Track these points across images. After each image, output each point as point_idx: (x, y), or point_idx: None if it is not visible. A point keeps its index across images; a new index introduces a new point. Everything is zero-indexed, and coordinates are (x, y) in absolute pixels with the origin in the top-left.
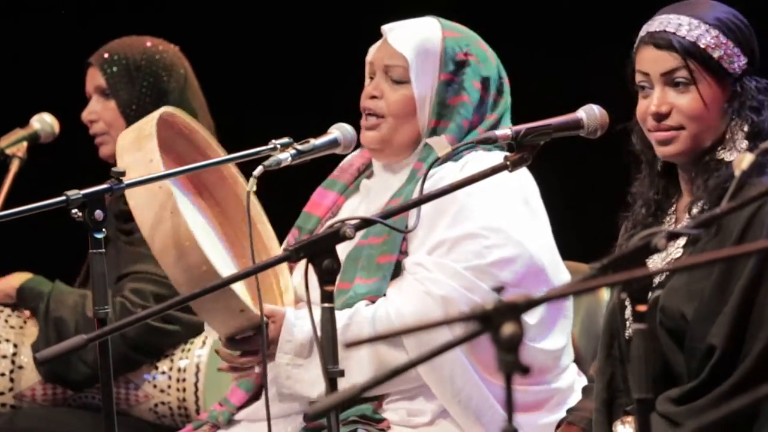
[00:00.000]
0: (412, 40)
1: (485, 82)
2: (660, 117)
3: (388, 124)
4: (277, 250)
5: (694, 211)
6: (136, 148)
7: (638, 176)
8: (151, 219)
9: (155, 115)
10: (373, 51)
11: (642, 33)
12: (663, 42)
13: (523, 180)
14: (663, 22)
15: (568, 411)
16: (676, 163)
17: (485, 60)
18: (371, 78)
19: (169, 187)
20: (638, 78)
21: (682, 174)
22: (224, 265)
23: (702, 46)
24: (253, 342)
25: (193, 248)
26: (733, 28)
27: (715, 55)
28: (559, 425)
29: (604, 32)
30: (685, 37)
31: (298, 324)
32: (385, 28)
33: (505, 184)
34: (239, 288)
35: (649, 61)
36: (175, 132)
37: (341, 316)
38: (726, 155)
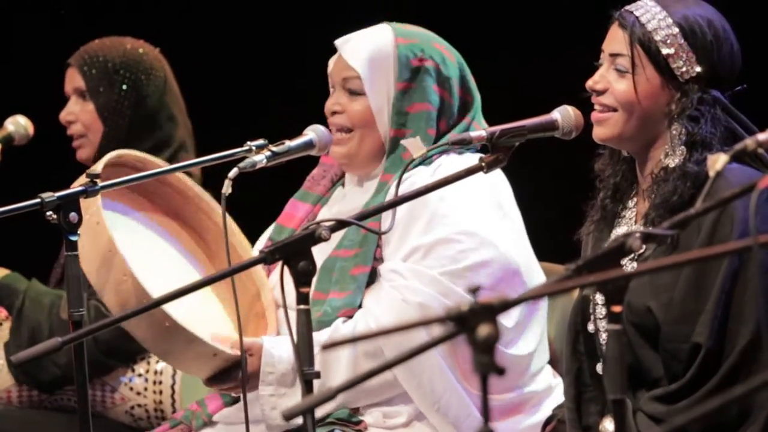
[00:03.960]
0: (364, 51)
1: (445, 83)
2: (596, 93)
3: (357, 137)
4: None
5: (647, 223)
6: (84, 209)
7: (601, 152)
8: (102, 281)
9: (98, 168)
10: (331, 64)
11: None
12: (623, 22)
13: (496, 182)
14: (639, 4)
15: (556, 408)
16: (617, 149)
17: (443, 61)
18: (333, 90)
19: (118, 251)
20: (601, 53)
21: (637, 169)
22: (195, 301)
23: (654, 38)
24: (233, 375)
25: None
26: (696, 33)
27: (665, 51)
28: (547, 423)
29: (580, 34)
30: (645, 24)
31: (277, 354)
32: (338, 42)
33: (477, 187)
34: (218, 314)
35: (608, 37)
36: (130, 168)
37: (321, 337)
38: (669, 162)
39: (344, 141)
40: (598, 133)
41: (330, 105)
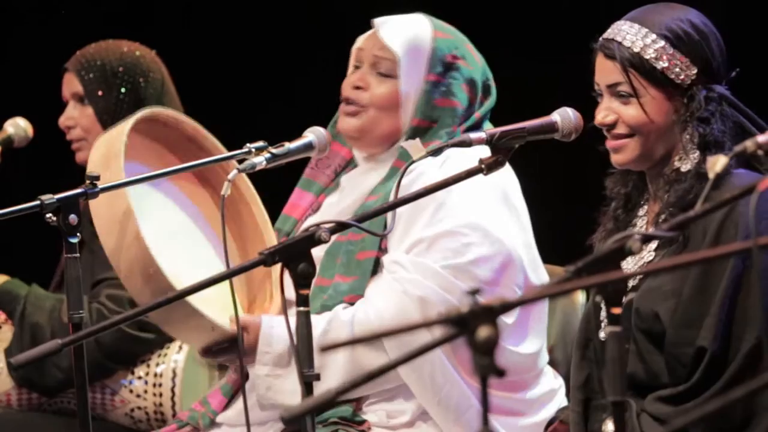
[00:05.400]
0: (404, 36)
1: (473, 84)
2: (608, 127)
3: (369, 115)
4: (271, 232)
5: (659, 222)
6: (104, 166)
7: (612, 171)
8: (114, 244)
9: (127, 127)
10: (362, 39)
11: (599, 39)
12: (609, 52)
13: (504, 176)
14: (615, 29)
15: (560, 410)
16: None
17: (473, 62)
18: (356, 67)
19: (132, 211)
20: (595, 86)
21: (648, 178)
22: (202, 273)
23: (646, 57)
24: (229, 352)
25: (157, 275)
26: (683, 38)
27: (659, 66)
28: (549, 424)
29: (581, 36)
30: (630, 47)
31: (275, 333)
32: (377, 21)
33: (484, 180)
34: (220, 293)
35: (599, 70)
36: (162, 125)
37: (320, 322)
38: (682, 165)
39: (357, 113)
40: (618, 159)
41: (354, 80)
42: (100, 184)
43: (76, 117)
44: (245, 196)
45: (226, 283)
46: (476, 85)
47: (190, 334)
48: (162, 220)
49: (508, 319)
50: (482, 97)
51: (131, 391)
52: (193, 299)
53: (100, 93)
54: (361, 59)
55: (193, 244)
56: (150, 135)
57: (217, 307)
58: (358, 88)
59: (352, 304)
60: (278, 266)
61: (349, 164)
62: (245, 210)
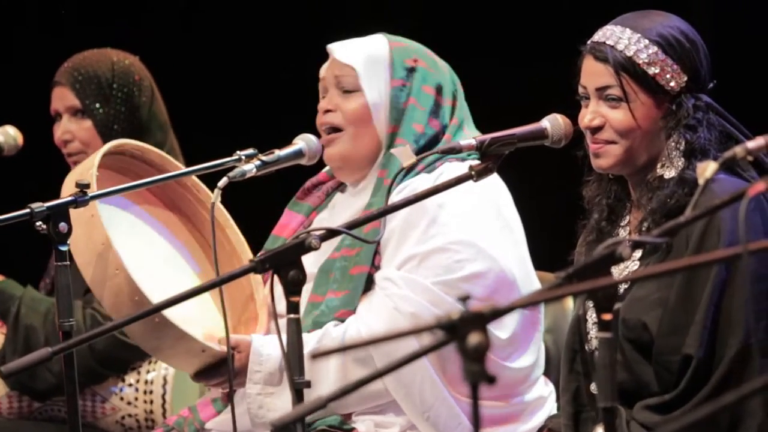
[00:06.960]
0: (360, 50)
1: (438, 88)
2: (593, 130)
3: (348, 135)
4: (247, 253)
5: (643, 229)
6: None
7: (588, 179)
8: (96, 276)
9: (95, 159)
10: (322, 70)
11: (588, 42)
12: (600, 55)
13: (496, 189)
14: (606, 33)
15: (549, 418)
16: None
17: (435, 67)
18: (323, 97)
19: (111, 242)
20: (580, 89)
21: (630, 185)
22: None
23: (638, 62)
24: (221, 371)
25: (143, 303)
26: (674, 45)
27: (651, 71)
28: None
29: (571, 41)
30: (623, 51)
31: (265, 352)
32: (331, 47)
33: (478, 195)
34: (211, 312)
35: (588, 73)
36: (128, 157)
37: (311, 339)
38: (665, 172)
39: (335, 140)
40: (601, 164)
41: (323, 105)
42: (75, 218)
43: (73, 130)
44: (220, 221)
45: (211, 305)
46: (442, 90)
47: (181, 359)
48: (140, 249)
49: (502, 334)
50: (452, 102)
51: (122, 398)
52: (180, 323)
53: (97, 105)
54: (325, 87)
55: (173, 268)
56: (116, 169)
57: (204, 329)
58: (328, 111)
59: (343, 320)
60: (263, 287)
61: (341, 184)
62: (221, 235)
